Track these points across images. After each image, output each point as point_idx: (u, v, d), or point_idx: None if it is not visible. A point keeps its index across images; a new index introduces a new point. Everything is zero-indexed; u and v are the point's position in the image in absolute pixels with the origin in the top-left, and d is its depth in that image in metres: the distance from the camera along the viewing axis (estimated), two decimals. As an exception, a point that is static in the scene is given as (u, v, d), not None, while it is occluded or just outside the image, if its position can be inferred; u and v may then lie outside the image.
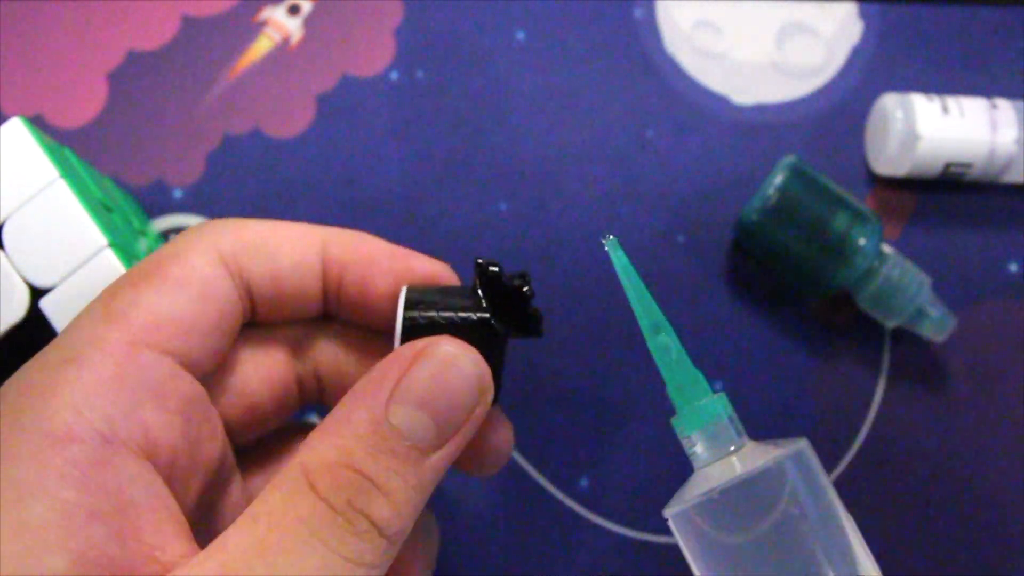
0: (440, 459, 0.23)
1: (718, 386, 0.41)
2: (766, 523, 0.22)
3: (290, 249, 0.27)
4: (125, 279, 0.24)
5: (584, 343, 0.41)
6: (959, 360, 0.42)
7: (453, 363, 0.24)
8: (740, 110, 0.43)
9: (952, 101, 0.41)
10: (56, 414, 0.21)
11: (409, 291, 0.26)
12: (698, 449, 0.24)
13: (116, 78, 0.42)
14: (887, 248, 0.40)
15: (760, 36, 0.44)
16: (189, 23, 0.43)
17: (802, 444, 0.23)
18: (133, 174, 0.42)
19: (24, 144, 0.30)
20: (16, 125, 0.31)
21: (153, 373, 0.23)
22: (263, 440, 0.29)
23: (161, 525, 0.21)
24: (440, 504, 0.39)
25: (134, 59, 0.43)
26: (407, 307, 0.25)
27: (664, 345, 0.24)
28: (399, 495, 0.22)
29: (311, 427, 0.30)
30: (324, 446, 0.22)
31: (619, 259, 0.25)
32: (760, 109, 0.43)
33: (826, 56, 0.44)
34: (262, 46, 0.43)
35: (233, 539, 0.21)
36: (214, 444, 0.25)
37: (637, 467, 0.40)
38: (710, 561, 0.23)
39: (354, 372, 0.28)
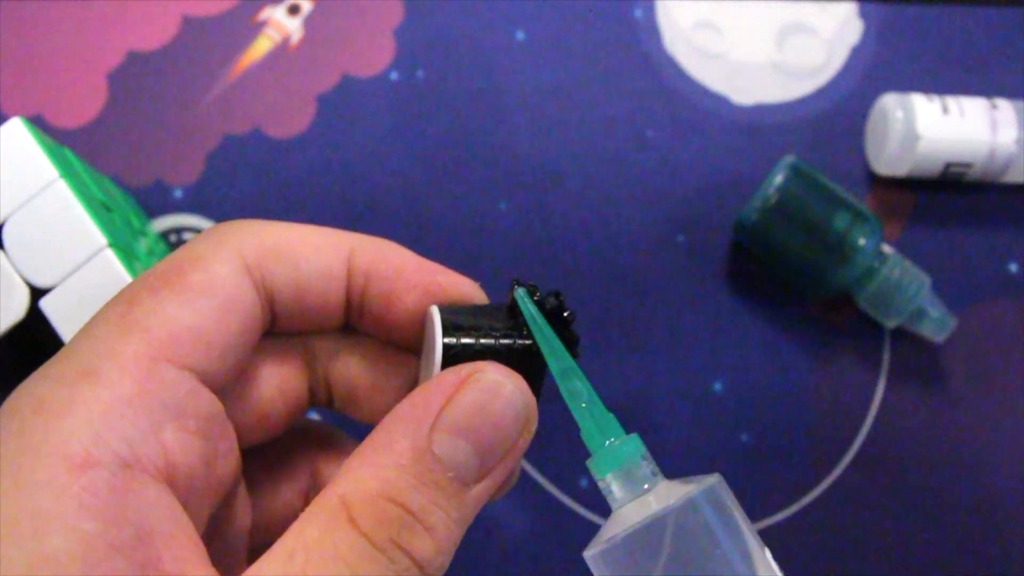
0: (482, 491, 0.22)
1: (718, 386, 0.41)
2: (681, 560, 0.22)
3: (316, 256, 0.25)
4: (143, 284, 0.23)
5: (583, 343, 0.41)
6: (959, 360, 0.42)
7: (498, 391, 0.23)
8: (740, 110, 0.43)
9: (952, 101, 0.41)
10: (73, 436, 0.20)
11: (442, 312, 0.25)
12: (614, 489, 0.24)
13: (116, 78, 0.42)
14: (887, 248, 0.40)
15: (760, 36, 0.44)
16: (189, 23, 0.43)
17: (714, 480, 0.23)
18: (133, 174, 0.42)
19: (24, 144, 0.30)
20: (16, 125, 0.31)
21: (174, 391, 0.21)
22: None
23: (181, 552, 0.20)
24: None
25: (134, 59, 0.43)
26: (444, 330, 0.24)
27: (575, 390, 0.24)
28: (441, 530, 0.21)
29: (313, 425, 0.29)
30: (364, 476, 0.21)
31: (527, 309, 0.24)
32: (760, 109, 0.43)
33: (826, 56, 0.44)
34: (262, 46, 0.43)
35: (267, 574, 0.20)
36: (229, 460, 0.24)
37: (637, 467, 0.40)
38: None
39: (367, 383, 0.27)
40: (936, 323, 0.40)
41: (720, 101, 0.44)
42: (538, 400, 0.25)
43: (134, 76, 0.42)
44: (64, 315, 0.30)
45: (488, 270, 0.41)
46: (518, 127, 0.43)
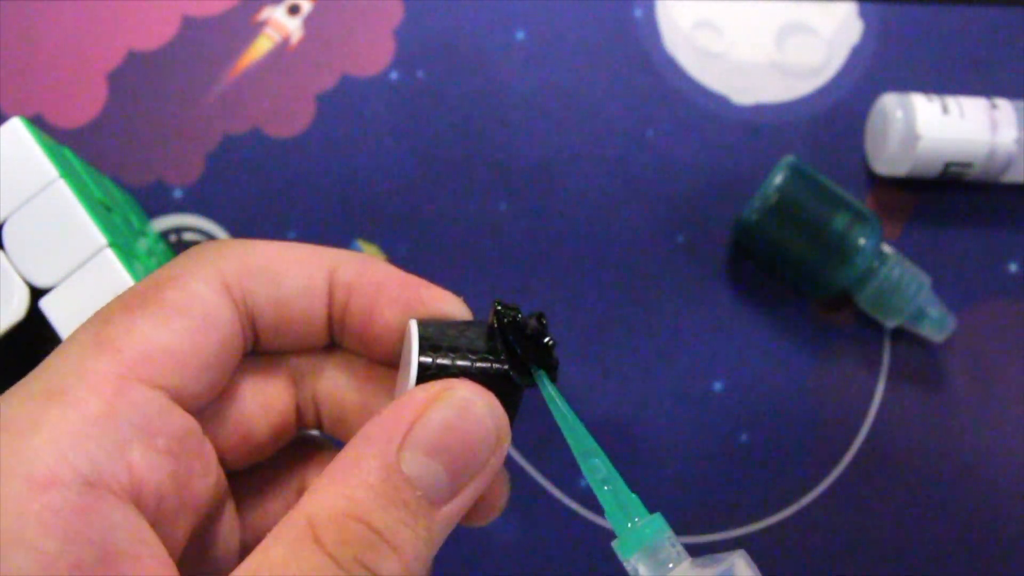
0: (452, 511, 0.22)
1: (718, 386, 0.41)
2: None
3: (297, 272, 0.25)
4: (119, 303, 0.23)
5: (583, 343, 0.41)
6: (959, 360, 0.42)
7: (470, 409, 0.22)
8: (740, 110, 0.43)
9: (952, 101, 0.41)
10: (37, 456, 0.19)
11: (421, 327, 0.24)
12: (640, 570, 0.24)
13: (116, 78, 0.42)
14: (887, 248, 0.40)
15: (760, 36, 0.44)
16: (189, 23, 0.43)
17: (739, 558, 0.23)
18: (133, 174, 0.42)
19: (24, 144, 0.30)
20: (16, 125, 0.31)
21: (143, 410, 0.21)
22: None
23: (146, 572, 0.20)
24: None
25: (134, 59, 0.43)
26: (421, 349, 0.24)
27: (596, 469, 0.24)
28: (408, 550, 0.21)
29: (309, 440, 0.29)
30: (331, 495, 0.21)
31: (546, 390, 0.24)
32: (760, 109, 0.43)
33: (826, 56, 0.44)
34: (262, 46, 0.43)
35: None
36: (206, 480, 0.23)
37: (636, 467, 0.40)
38: None
39: (355, 402, 0.27)
40: (936, 323, 0.40)
41: (720, 101, 0.44)
42: (512, 424, 0.24)
43: (134, 76, 0.42)
44: (64, 315, 0.30)
45: (488, 270, 0.41)
46: (518, 127, 0.43)
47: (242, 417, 0.25)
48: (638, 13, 0.44)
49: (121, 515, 0.20)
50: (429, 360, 0.23)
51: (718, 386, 0.41)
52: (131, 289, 0.23)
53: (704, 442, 0.41)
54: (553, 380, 0.25)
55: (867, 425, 0.41)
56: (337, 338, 0.26)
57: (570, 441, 0.24)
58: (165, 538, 0.21)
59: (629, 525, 0.24)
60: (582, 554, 0.40)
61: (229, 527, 0.25)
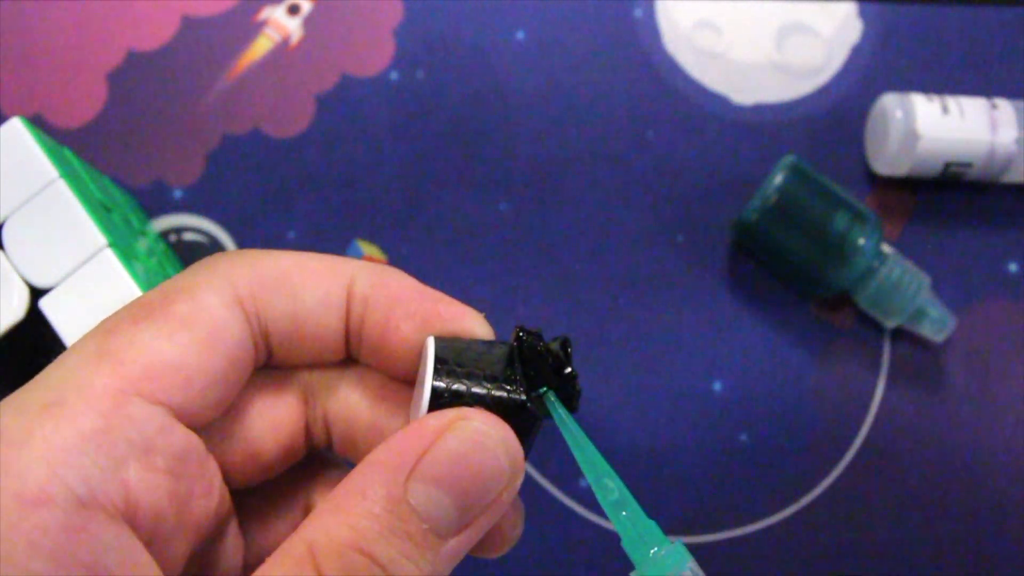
0: (458, 545, 0.21)
1: (718, 386, 0.41)
2: None
3: (314, 285, 0.24)
4: (125, 313, 0.22)
5: (583, 343, 0.41)
6: (959, 360, 0.42)
7: (483, 441, 0.21)
8: (740, 110, 0.43)
9: (952, 101, 0.41)
10: (28, 472, 0.19)
11: (439, 347, 0.23)
12: None
13: (116, 78, 0.42)
14: (887, 248, 0.40)
15: (760, 36, 0.44)
16: (189, 23, 0.43)
17: None
18: (133, 174, 0.42)
19: (24, 144, 0.30)
20: (16, 125, 0.31)
21: (142, 427, 0.20)
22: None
23: None
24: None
25: (134, 59, 0.43)
26: (436, 373, 0.23)
27: (612, 496, 0.23)
28: None
29: (317, 457, 0.27)
30: (334, 522, 0.20)
31: (557, 413, 0.23)
32: (760, 109, 0.43)
33: (826, 56, 0.44)
34: (262, 46, 0.43)
35: None
36: (208, 499, 0.23)
37: (636, 467, 0.40)
38: None
39: (367, 422, 0.26)
40: (936, 323, 0.40)
41: (720, 101, 0.44)
42: (527, 455, 0.23)
43: (134, 76, 0.42)
44: (64, 315, 0.30)
45: (488, 270, 0.41)
46: (518, 127, 0.43)
47: (249, 435, 0.24)
48: (638, 13, 0.44)
49: (114, 535, 0.19)
50: (443, 385, 0.23)
51: (718, 386, 0.41)
52: (139, 299, 0.22)
53: (704, 442, 0.41)
54: (573, 410, 0.24)
55: (867, 425, 0.41)
56: (354, 352, 0.25)
57: (583, 466, 0.23)
58: (162, 559, 0.21)
59: (651, 554, 0.23)
60: (582, 554, 0.40)
61: (231, 547, 0.25)
